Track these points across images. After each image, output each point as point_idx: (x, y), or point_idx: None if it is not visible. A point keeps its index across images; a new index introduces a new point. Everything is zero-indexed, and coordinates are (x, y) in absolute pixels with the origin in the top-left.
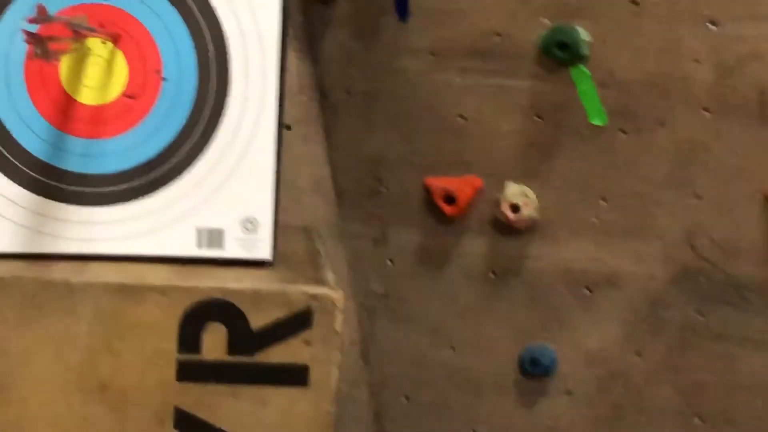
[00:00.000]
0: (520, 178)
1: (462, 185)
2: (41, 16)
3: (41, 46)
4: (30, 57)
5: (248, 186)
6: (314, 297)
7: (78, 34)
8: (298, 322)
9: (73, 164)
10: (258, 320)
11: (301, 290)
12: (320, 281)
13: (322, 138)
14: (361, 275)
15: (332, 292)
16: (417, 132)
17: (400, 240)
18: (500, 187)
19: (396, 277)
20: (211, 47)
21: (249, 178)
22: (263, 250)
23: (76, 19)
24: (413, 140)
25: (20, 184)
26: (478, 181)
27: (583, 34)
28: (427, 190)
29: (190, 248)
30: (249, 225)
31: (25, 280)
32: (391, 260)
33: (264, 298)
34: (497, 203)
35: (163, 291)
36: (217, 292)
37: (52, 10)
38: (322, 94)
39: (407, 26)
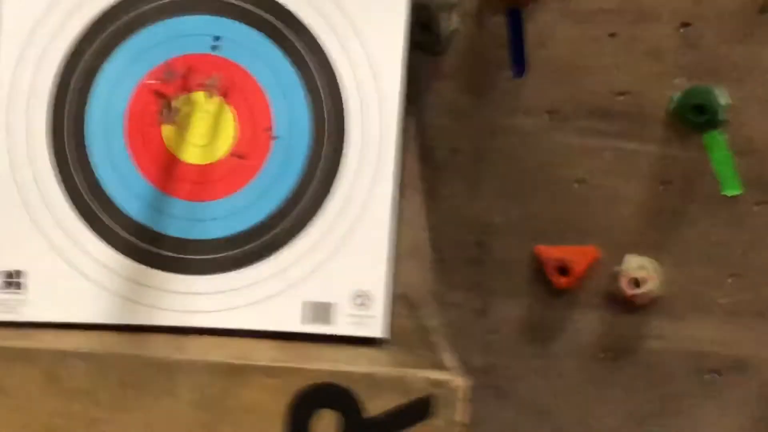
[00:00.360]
0: (642, 250)
1: (577, 255)
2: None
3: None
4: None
5: (361, 256)
6: (436, 383)
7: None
8: (416, 411)
9: (174, 229)
10: (372, 407)
11: (422, 375)
12: (439, 365)
13: (423, 199)
14: (460, 348)
15: (456, 378)
16: (528, 196)
17: (504, 312)
18: (619, 259)
19: (498, 351)
20: (327, 103)
21: (362, 247)
22: (375, 327)
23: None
24: (524, 205)
25: (117, 249)
26: (595, 252)
27: (722, 97)
28: (537, 259)
29: (294, 323)
30: (361, 299)
31: (123, 357)
32: (493, 333)
33: (380, 383)
34: (615, 276)
35: (271, 372)
36: (330, 375)
37: (159, 59)
38: (425, 153)
39: (523, 82)
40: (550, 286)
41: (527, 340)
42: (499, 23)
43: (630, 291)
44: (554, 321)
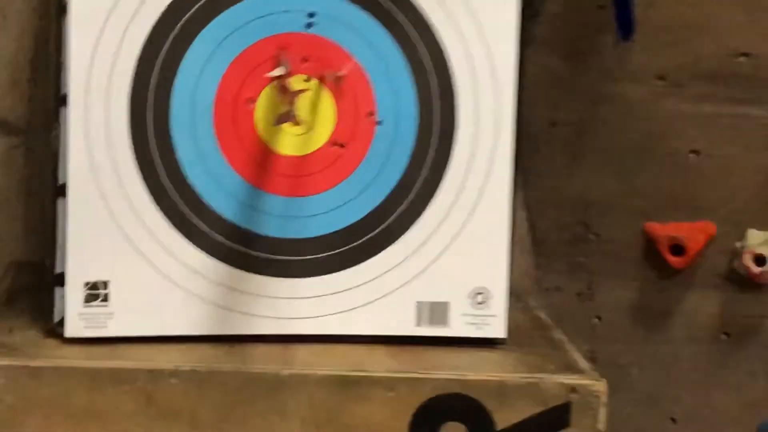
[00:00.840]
0: (764, 225)
1: (693, 232)
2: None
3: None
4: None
5: (479, 249)
6: (573, 389)
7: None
8: (552, 420)
9: (270, 228)
10: (504, 418)
11: (557, 381)
12: (573, 366)
13: (518, 176)
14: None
15: (596, 381)
16: (637, 170)
17: (611, 295)
18: (738, 235)
19: (604, 337)
20: (434, 83)
21: (480, 239)
22: (497, 328)
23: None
24: (632, 180)
25: (209, 253)
26: (712, 228)
27: None
28: (647, 238)
29: (408, 326)
30: (480, 297)
31: (224, 373)
32: (598, 317)
33: (511, 391)
34: (736, 253)
35: (390, 384)
36: (455, 385)
37: (247, 41)
38: (520, 126)
39: (629, 46)
40: (662, 266)
41: (637, 324)
42: None
43: (754, 269)
44: (667, 303)
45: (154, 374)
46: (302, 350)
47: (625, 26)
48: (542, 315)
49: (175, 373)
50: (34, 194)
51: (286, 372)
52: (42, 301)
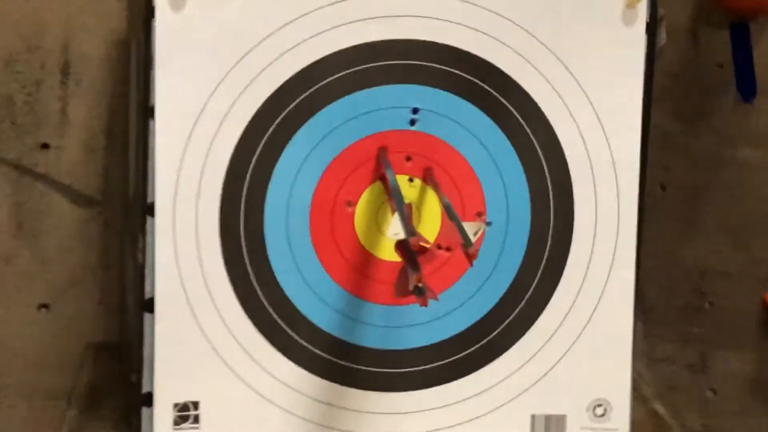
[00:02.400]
0: None
1: None
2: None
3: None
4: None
5: (597, 359)
6: None
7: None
8: None
9: (370, 339)
10: None
11: None
12: None
13: None
14: (673, 408)
15: None
16: (756, 237)
17: (727, 366)
18: None
19: (720, 412)
20: (550, 180)
21: (599, 348)
22: None
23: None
24: (751, 247)
25: (306, 368)
26: None
27: None
28: (767, 308)
29: None
30: (599, 410)
31: None
32: (713, 390)
33: None
34: None
35: None
36: None
37: (346, 141)
38: None
39: (750, 108)
40: None
41: (755, 398)
42: (717, 38)
43: None
44: None
45: None
46: None
47: (747, 86)
48: (659, 408)
49: None
50: (113, 267)
51: None
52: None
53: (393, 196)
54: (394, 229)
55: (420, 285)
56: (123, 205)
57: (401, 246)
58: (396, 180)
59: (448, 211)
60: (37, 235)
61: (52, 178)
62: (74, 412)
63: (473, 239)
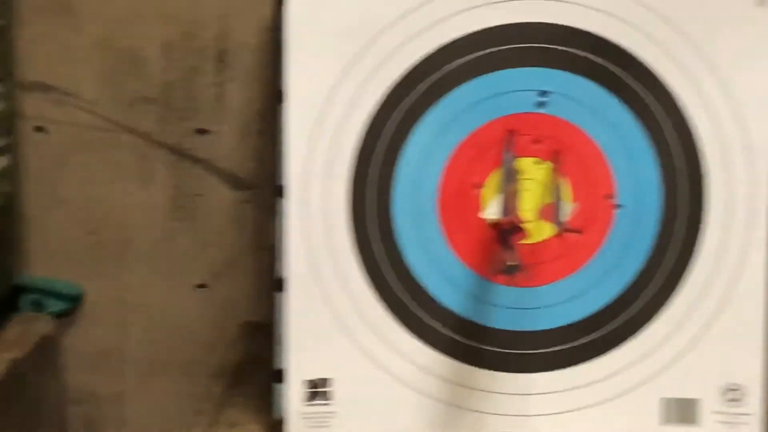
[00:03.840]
0: None
1: None
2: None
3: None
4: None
5: (730, 342)
6: None
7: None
8: None
9: (500, 320)
10: None
11: None
12: None
13: None
14: None
15: None
16: None
17: None
18: None
19: None
20: (680, 163)
21: (731, 331)
22: (752, 427)
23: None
24: None
25: (436, 348)
26: None
27: None
28: None
29: (651, 425)
30: (732, 394)
31: None
32: None
33: None
34: None
35: None
36: None
37: (474, 123)
38: None
39: None
40: None
41: None
42: None
43: None
44: None
45: None
46: None
47: None
48: None
49: None
50: (265, 249)
51: None
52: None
53: (503, 175)
54: (491, 208)
55: (512, 264)
56: (275, 188)
57: (496, 226)
58: (511, 160)
59: (553, 192)
60: (195, 217)
61: (208, 162)
62: (220, 388)
63: (563, 218)
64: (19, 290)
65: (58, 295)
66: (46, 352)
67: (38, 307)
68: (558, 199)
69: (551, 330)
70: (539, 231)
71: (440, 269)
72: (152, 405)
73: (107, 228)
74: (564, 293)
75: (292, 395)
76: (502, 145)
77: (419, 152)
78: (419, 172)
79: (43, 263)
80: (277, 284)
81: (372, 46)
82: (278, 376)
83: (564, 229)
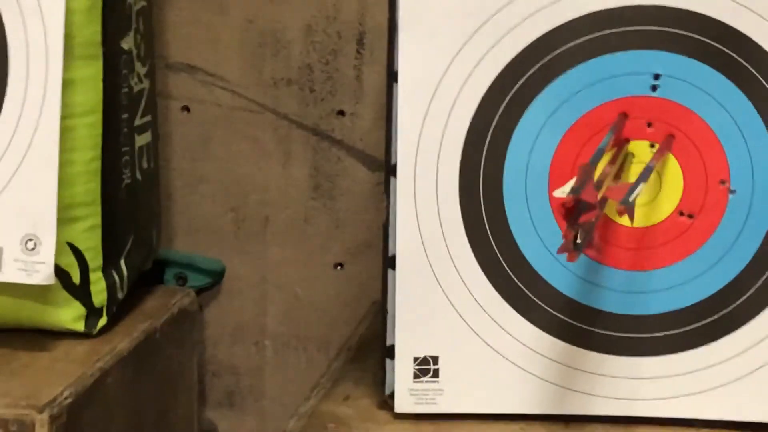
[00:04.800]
0: None
1: None
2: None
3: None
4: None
5: None
6: None
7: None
8: None
9: (610, 303)
10: None
11: None
12: None
13: None
14: None
15: None
16: None
17: None
18: None
19: None
20: None
21: None
22: None
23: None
24: None
25: (547, 331)
26: None
27: None
28: None
29: (765, 412)
30: None
31: None
32: None
33: None
34: None
35: None
36: None
37: (586, 105)
38: None
39: None
40: None
41: None
42: None
43: None
44: None
45: None
46: None
47: None
48: None
49: None
50: None
51: None
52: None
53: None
54: (566, 186)
55: (576, 241)
56: (388, 167)
57: (564, 203)
58: (606, 143)
59: (642, 173)
60: (333, 198)
61: (346, 143)
62: (339, 363)
63: (631, 198)
64: (164, 264)
65: (200, 270)
66: (185, 324)
67: (181, 281)
68: (642, 181)
69: (662, 314)
70: (651, 215)
71: (550, 251)
72: (289, 378)
73: (248, 206)
74: (676, 278)
75: (401, 371)
76: (616, 128)
77: (531, 133)
78: (530, 153)
79: (187, 239)
80: (389, 262)
81: (486, 27)
82: (389, 352)
83: (626, 209)
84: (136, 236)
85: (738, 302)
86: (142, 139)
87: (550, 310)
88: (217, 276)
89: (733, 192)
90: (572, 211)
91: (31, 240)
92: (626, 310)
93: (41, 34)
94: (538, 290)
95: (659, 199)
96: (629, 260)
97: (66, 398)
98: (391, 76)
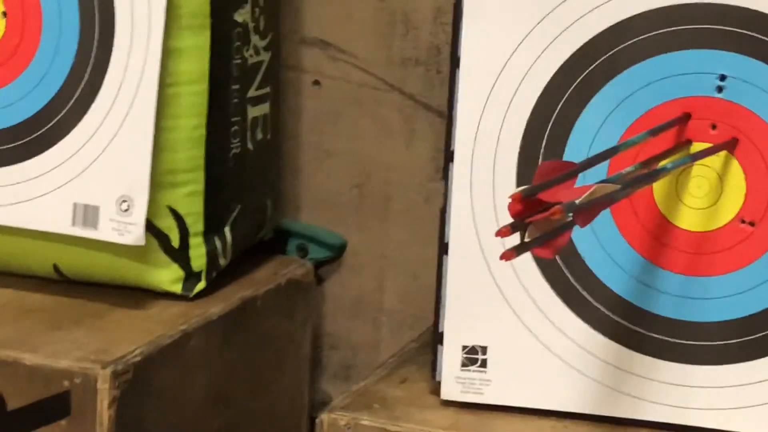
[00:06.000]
0: None
1: None
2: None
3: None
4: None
5: None
6: None
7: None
8: None
9: (664, 307)
10: None
11: None
12: None
13: None
14: None
15: None
16: None
17: None
18: None
19: None
20: None
21: None
22: None
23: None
24: None
25: (595, 328)
26: None
27: None
28: None
29: None
30: None
31: None
32: None
33: None
34: None
35: None
36: None
37: (649, 103)
38: None
39: None
40: None
41: None
42: None
43: None
44: None
45: None
46: None
47: None
48: None
49: None
50: None
51: None
52: None
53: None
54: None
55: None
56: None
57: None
58: (639, 139)
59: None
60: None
61: None
62: (415, 345)
63: (580, 200)
64: (287, 235)
65: (321, 243)
66: (297, 295)
67: (303, 252)
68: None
69: (718, 323)
70: (711, 220)
71: (606, 249)
72: None
73: (371, 183)
74: (734, 287)
75: (449, 359)
76: (677, 127)
77: (591, 128)
78: (591, 148)
79: (311, 211)
80: (444, 247)
81: (551, 17)
82: (440, 338)
83: (560, 211)
84: (245, 205)
85: None
86: (257, 111)
87: (602, 308)
88: (337, 250)
89: None
90: (526, 209)
91: (125, 201)
92: (680, 316)
93: (146, 6)
94: (590, 287)
95: (720, 204)
96: (686, 265)
97: (135, 356)
98: (454, 63)
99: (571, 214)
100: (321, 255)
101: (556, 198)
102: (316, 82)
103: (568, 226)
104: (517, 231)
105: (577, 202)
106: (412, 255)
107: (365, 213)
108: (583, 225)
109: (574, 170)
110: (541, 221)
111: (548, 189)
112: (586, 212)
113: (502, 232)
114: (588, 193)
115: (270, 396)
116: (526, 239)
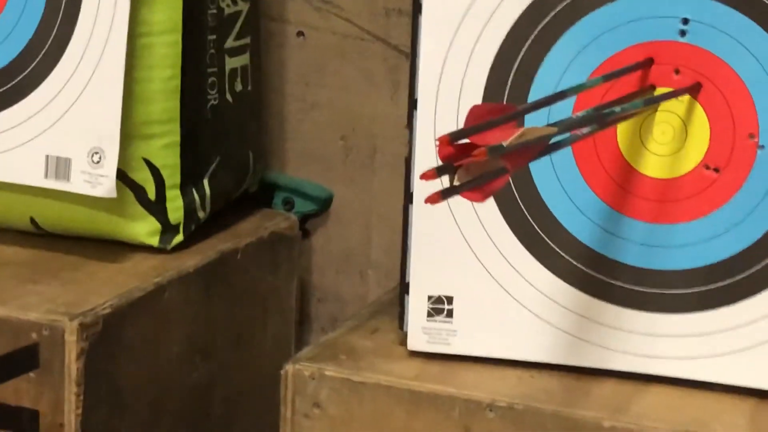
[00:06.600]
0: None
1: None
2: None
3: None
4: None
5: None
6: None
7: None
8: None
9: (630, 256)
10: None
11: None
12: None
13: None
14: None
15: None
16: None
17: None
18: None
19: None
20: None
21: None
22: None
23: (537, 131)
24: None
25: (561, 278)
26: None
27: None
28: None
29: None
30: None
31: (544, 414)
32: None
33: None
34: None
35: None
36: None
37: (612, 48)
38: None
39: None
40: None
41: None
42: None
43: None
44: None
45: (471, 405)
46: (651, 395)
47: None
48: None
49: (491, 407)
50: None
51: (607, 423)
52: None
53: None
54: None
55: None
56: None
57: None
58: (593, 83)
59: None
60: None
61: None
62: (390, 296)
63: (507, 143)
64: (274, 188)
65: (307, 196)
66: (280, 248)
67: (289, 206)
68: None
69: (684, 271)
70: (675, 167)
71: (571, 198)
72: None
73: (356, 135)
74: (699, 234)
75: (415, 309)
76: (640, 72)
77: (555, 74)
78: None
79: (298, 164)
80: (410, 197)
81: None
82: (406, 288)
83: (486, 153)
84: (224, 157)
85: (763, 263)
86: (235, 62)
87: (568, 258)
88: (324, 203)
89: (761, 147)
90: (459, 153)
91: (96, 153)
92: (646, 264)
93: None
94: (556, 237)
95: (684, 150)
96: (651, 212)
97: (105, 309)
98: (416, 8)
99: (499, 157)
100: (307, 208)
101: (488, 142)
102: (300, 33)
103: (503, 172)
104: (444, 174)
105: (505, 144)
106: (398, 207)
107: (351, 165)
108: (513, 169)
109: (512, 113)
110: (473, 165)
111: (483, 132)
112: (516, 155)
113: (427, 175)
114: (515, 135)
115: (253, 349)
116: (456, 183)
